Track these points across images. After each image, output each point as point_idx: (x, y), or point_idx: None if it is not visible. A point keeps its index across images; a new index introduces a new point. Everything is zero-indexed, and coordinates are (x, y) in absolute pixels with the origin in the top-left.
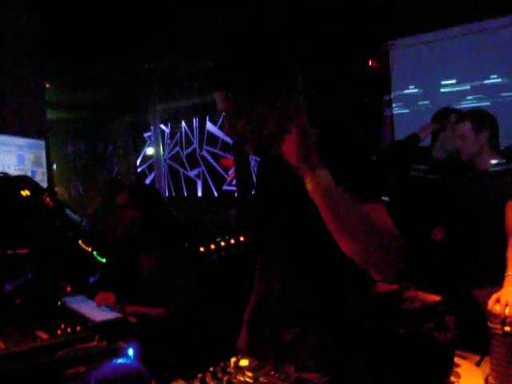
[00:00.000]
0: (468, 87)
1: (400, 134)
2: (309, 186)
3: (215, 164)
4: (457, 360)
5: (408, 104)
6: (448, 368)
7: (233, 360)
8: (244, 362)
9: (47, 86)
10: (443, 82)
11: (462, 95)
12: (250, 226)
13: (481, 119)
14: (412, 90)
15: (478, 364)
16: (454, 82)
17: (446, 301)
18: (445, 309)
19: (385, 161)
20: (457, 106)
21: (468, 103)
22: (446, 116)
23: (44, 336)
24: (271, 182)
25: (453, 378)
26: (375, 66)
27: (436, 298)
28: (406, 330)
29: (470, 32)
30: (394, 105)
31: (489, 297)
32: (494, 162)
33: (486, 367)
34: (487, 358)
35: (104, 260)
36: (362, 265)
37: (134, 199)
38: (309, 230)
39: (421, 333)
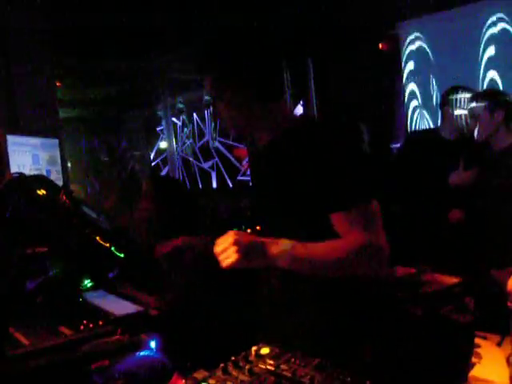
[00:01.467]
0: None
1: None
2: (273, 253)
3: (229, 155)
4: (477, 341)
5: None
6: (469, 349)
7: (254, 348)
8: (265, 350)
9: (58, 84)
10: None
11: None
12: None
13: (495, 98)
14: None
15: (499, 344)
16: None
17: (465, 282)
18: (463, 290)
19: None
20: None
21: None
22: (455, 95)
23: (67, 332)
24: (262, 171)
25: (474, 359)
26: (385, 49)
27: (454, 280)
28: (425, 312)
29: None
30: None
31: (509, 277)
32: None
33: (507, 347)
34: (508, 338)
35: (122, 255)
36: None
37: (156, 188)
38: (299, 212)
39: (440, 315)
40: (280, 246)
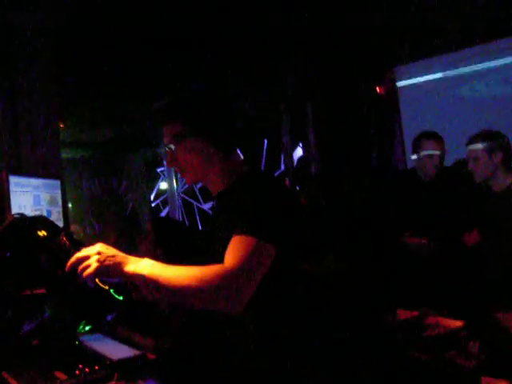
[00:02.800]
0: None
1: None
2: (129, 270)
3: None
4: None
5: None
6: None
7: None
8: None
9: (61, 126)
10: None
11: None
12: None
13: (493, 140)
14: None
15: None
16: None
17: (469, 326)
18: (468, 334)
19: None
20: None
21: None
22: (416, 141)
23: (62, 377)
24: (212, 219)
25: None
26: (383, 93)
27: (458, 323)
28: (429, 357)
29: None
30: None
31: None
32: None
33: None
34: None
35: (121, 298)
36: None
37: (156, 230)
38: None
39: (445, 360)
40: (138, 265)
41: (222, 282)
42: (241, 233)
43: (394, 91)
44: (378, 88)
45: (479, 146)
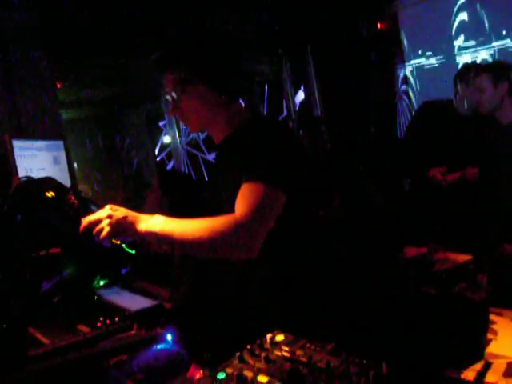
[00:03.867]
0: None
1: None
2: (141, 228)
3: None
4: (493, 317)
5: (421, 70)
6: (484, 326)
7: (269, 336)
8: (280, 337)
9: (59, 86)
10: (458, 44)
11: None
12: None
13: (498, 70)
14: (424, 53)
15: None
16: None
17: (477, 259)
18: (476, 268)
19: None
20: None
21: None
22: (465, 72)
23: (85, 329)
24: (217, 169)
25: (490, 336)
26: (384, 29)
27: (466, 257)
28: (438, 291)
29: None
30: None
31: None
32: None
33: None
34: None
35: (134, 251)
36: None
37: (163, 183)
38: None
39: (454, 293)
40: (149, 223)
41: (234, 231)
42: (250, 179)
43: (395, 26)
44: (378, 24)
45: (484, 76)
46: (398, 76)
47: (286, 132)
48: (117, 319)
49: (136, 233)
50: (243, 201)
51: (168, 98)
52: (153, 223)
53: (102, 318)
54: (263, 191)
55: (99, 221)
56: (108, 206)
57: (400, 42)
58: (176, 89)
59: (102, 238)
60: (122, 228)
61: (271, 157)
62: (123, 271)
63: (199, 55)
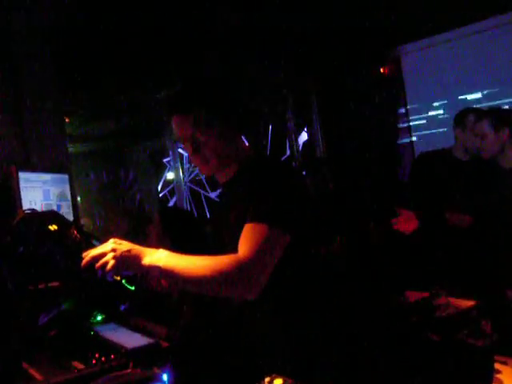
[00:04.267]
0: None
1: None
2: (145, 263)
3: None
4: (498, 366)
5: (424, 110)
6: (488, 374)
7: (267, 380)
8: (278, 382)
9: (67, 120)
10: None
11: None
12: None
13: (499, 117)
14: (426, 95)
15: None
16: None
17: (481, 306)
18: (480, 314)
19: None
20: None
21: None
22: (464, 116)
23: (79, 366)
24: (220, 208)
25: None
26: (387, 74)
27: (469, 303)
28: (441, 338)
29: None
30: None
31: None
32: None
33: None
34: None
35: (133, 288)
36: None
37: (164, 219)
38: None
39: (457, 340)
40: (153, 257)
41: (236, 271)
42: (253, 220)
43: (398, 71)
44: (381, 68)
45: (485, 122)
46: (401, 119)
47: (290, 172)
48: (112, 356)
49: (140, 267)
50: (246, 242)
51: (180, 141)
52: (157, 257)
53: (97, 355)
54: (267, 233)
55: (103, 255)
56: (111, 240)
57: (403, 86)
58: (199, 130)
59: (107, 272)
60: (126, 261)
61: (275, 198)
62: (122, 308)
63: (217, 94)
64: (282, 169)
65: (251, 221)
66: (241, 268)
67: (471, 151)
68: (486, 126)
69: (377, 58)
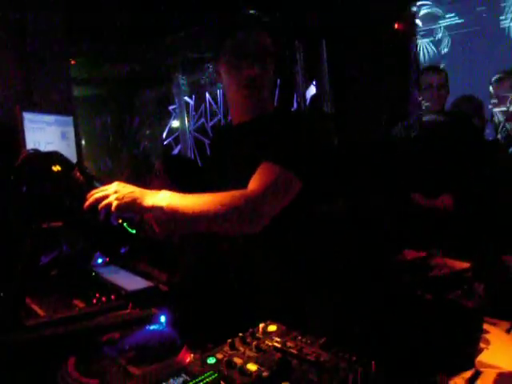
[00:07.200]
0: None
1: None
2: (148, 203)
3: None
4: (486, 327)
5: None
6: (477, 335)
7: (261, 326)
8: (272, 328)
9: (72, 63)
10: None
11: None
12: None
13: None
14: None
15: (508, 331)
16: None
17: (475, 267)
18: (473, 276)
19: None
20: None
21: None
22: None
23: (80, 305)
24: (227, 150)
25: (482, 345)
26: (401, 29)
27: (464, 264)
28: (433, 296)
29: None
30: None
31: None
32: None
33: None
34: None
35: (134, 231)
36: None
37: (167, 167)
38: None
39: (449, 300)
40: (156, 197)
41: (243, 203)
42: (267, 161)
43: (413, 27)
44: (396, 24)
45: (508, 84)
46: (412, 77)
47: (312, 123)
48: (113, 297)
49: (143, 207)
50: (257, 179)
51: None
52: (160, 197)
53: (97, 295)
54: (278, 173)
55: (106, 196)
56: (115, 183)
57: (416, 45)
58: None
59: (109, 214)
60: (128, 203)
61: (292, 143)
62: (122, 250)
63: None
64: (303, 119)
65: (265, 161)
66: (248, 200)
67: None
68: (505, 88)
69: (391, 13)
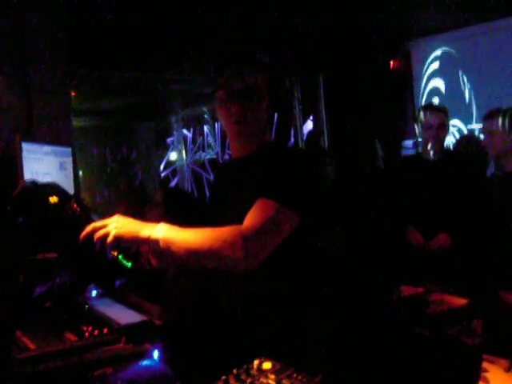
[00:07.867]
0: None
1: None
2: (145, 234)
3: None
4: (485, 365)
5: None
6: (476, 373)
7: (256, 362)
8: (267, 365)
9: (73, 94)
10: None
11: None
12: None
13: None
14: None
15: (507, 369)
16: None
17: (474, 304)
18: (472, 312)
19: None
20: None
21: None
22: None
23: (72, 338)
24: (226, 185)
25: (481, 383)
26: (397, 68)
27: (463, 301)
28: (432, 333)
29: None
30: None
31: None
32: None
33: None
34: None
35: (129, 264)
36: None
37: (167, 200)
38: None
39: (447, 336)
40: (154, 229)
41: (239, 240)
42: (263, 196)
43: (407, 66)
44: (391, 62)
45: (497, 121)
46: (408, 114)
47: (308, 160)
48: (105, 331)
49: (139, 238)
50: (253, 215)
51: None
52: (157, 230)
53: (90, 328)
54: (274, 209)
55: (104, 226)
56: (116, 216)
57: (411, 81)
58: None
59: (106, 245)
60: (126, 234)
61: (288, 179)
62: (117, 283)
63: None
64: (300, 155)
65: (261, 196)
66: (243, 237)
67: (426, 146)
68: (496, 124)
69: (387, 51)
